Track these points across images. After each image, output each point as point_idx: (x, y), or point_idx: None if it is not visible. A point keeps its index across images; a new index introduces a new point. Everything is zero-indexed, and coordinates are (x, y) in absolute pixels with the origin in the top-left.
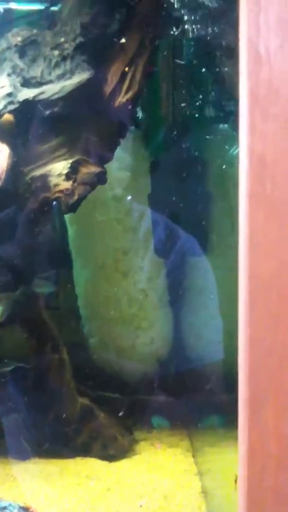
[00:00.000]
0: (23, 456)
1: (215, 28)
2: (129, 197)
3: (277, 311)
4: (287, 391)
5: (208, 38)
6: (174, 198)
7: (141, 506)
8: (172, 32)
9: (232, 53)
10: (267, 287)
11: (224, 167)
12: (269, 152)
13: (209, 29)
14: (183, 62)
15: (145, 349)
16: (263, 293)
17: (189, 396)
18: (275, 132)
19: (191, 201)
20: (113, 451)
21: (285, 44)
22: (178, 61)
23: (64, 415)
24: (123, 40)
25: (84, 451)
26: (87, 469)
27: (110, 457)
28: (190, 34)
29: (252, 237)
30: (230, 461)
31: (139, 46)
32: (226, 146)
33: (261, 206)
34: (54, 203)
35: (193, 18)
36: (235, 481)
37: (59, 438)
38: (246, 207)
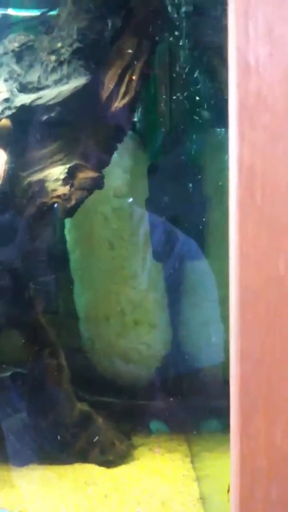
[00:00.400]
0: (21, 462)
1: (213, 33)
2: (130, 199)
3: (267, 322)
4: (278, 402)
5: (206, 42)
6: (172, 202)
7: None
8: (169, 37)
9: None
10: (257, 298)
11: (222, 170)
12: (259, 162)
13: (207, 33)
14: (180, 67)
15: (143, 354)
16: (253, 305)
17: (187, 401)
18: (265, 142)
19: (189, 204)
20: (111, 457)
21: (274, 53)
22: (175, 66)
23: (62, 420)
24: (120, 45)
25: (82, 457)
26: (85, 475)
27: (108, 463)
28: (188, 38)
29: (242, 248)
30: (228, 466)
31: (136, 50)
32: (224, 150)
33: (251, 216)
34: (55, 206)
35: (190, 22)
36: (228, 491)
37: (57, 444)
38: (235, 217)
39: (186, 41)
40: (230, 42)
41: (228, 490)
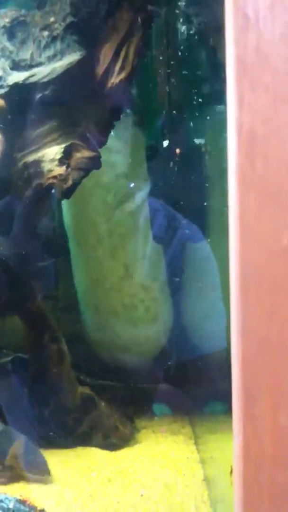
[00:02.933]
0: None
1: (212, 8)
2: (132, 184)
3: (270, 301)
4: (283, 384)
5: (205, 17)
6: (171, 184)
7: (142, 495)
8: (166, 11)
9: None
10: (259, 275)
11: (223, 150)
12: (260, 127)
13: (205, 7)
14: (179, 43)
15: (146, 336)
16: (255, 282)
17: (190, 383)
18: (266, 104)
19: (189, 186)
20: (114, 441)
21: (276, 4)
22: (173, 42)
23: (64, 405)
24: (115, 19)
25: (85, 441)
26: (88, 459)
27: (111, 447)
28: (186, 13)
29: (242, 220)
30: (231, 447)
31: (131, 25)
32: (224, 129)
33: (252, 187)
34: (49, 187)
35: None
36: (230, 472)
37: (59, 428)
38: (235, 187)
39: (184, 15)
40: None
41: (231, 472)
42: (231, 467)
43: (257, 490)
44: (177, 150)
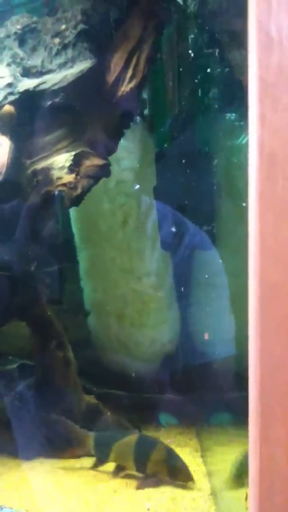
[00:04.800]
0: (27, 455)
1: (223, 14)
2: (137, 186)
3: (287, 321)
4: None
5: (215, 24)
6: (180, 190)
7: (148, 509)
8: (176, 19)
9: (240, 39)
10: (278, 295)
11: (232, 157)
12: (281, 147)
13: (216, 14)
14: (188, 50)
15: (152, 343)
16: (273, 302)
17: (197, 394)
18: (287, 124)
19: (198, 192)
20: None
21: None
22: (183, 49)
23: (69, 413)
24: (126, 27)
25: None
26: (94, 470)
27: None
28: (196, 20)
29: (262, 240)
30: (239, 461)
31: (142, 32)
32: (234, 136)
33: (272, 206)
34: (57, 194)
35: (199, 3)
36: (245, 498)
37: (64, 437)
38: (255, 208)
39: (195, 22)
40: (250, 13)
41: (246, 498)
42: (246, 493)
43: None
44: (185, 156)
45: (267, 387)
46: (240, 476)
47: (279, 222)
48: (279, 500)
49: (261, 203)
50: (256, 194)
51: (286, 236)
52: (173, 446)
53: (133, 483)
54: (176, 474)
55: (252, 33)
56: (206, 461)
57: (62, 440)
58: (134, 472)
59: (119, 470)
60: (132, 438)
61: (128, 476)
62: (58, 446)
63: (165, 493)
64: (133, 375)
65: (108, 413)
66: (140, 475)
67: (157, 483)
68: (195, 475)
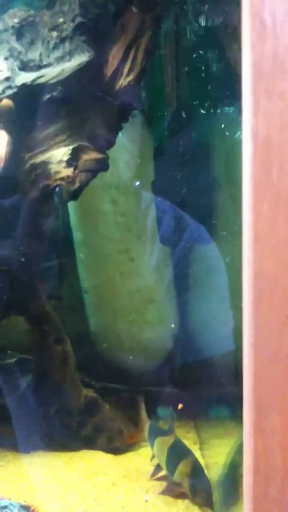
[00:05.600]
0: (26, 448)
1: (221, 6)
2: (137, 183)
3: (282, 311)
4: None
5: (214, 17)
6: (178, 185)
7: (146, 501)
8: (175, 11)
9: (238, 31)
10: (272, 285)
11: (231, 151)
12: (275, 135)
13: (215, 7)
14: (187, 44)
15: (151, 338)
16: (268, 292)
17: (196, 388)
18: (282, 112)
19: (197, 186)
20: (118, 444)
21: None
22: (182, 43)
23: (68, 406)
24: (124, 20)
25: (89, 443)
26: (92, 462)
27: (116, 450)
28: (194, 14)
29: (256, 229)
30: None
31: (140, 26)
32: (233, 130)
33: (266, 195)
34: (57, 189)
35: None
36: (240, 486)
37: (63, 431)
38: (249, 195)
39: (193, 15)
40: (243, 0)
41: (241, 486)
42: (241, 481)
43: (267, 504)
44: (184, 151)
45: (261, 378)
46: (236, 467)
47: (273, 211)
48: (274, 491)
49: (255, 189)
50: (250, 182)
51: (281, 224)
52: None
53: (131, 476)
54: (194, 494)
55: (246, 20)
56: (204, 454)
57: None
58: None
59: (158, 470)
60: (169, 439)
61: (127, 470)
62: (57, 439)
63: (163, 486)
64: (133, 369)
65: (107, 407)
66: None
67: (179, 496)
68: None
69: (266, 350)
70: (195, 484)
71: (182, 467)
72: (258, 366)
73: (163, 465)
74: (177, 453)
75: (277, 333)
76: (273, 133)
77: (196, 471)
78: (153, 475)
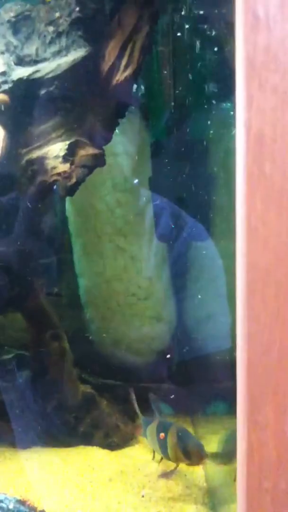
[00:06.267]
0: (23, 444)
1: (217, 3)
2: (136, 181)
3: (276, 303)
4: (287, 390)
5: (210, 13)
6: (176, 181)
7: (143, 496)
8: (172, 7)
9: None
10: (265, 277)
11: (227, 147)
12: (268, 129)
13: (211, 4)
14: (184, 40)
15: (149, 335)
16: (261, 284)
17: (193, 384)
18: (275, 106)
19: (193, 183)
20: (115, 440)
21: (286, 4)
22: (179, 39)
23: (65, 402)
24: (121, 15)
25: (86, 439)
26: (89, 458)
27: (112, 446)
28: (191, 9)
29: (249, 222)
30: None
31: (137, 21)
32: (230, 126)
33: (259, 188)
34: (54, 187)
35: None
36: (234, 479)
37: (60, 426)
38: (242, 188)
39: (189, 11)
40: None
41: (235, 479)
42: (235, 474)
43: (260, 497)
44: (181, 147)
45: (255, 370)
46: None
47: (266, 205)
48: (268, 484)
49: (248, 182)
50: (243, 175)
51: (274, 219)
52: None
53: (128, 471)
54: (189, 456)
55: (239, 13)
56: None
57: (57, 429)
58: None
59: (171, 473)
60: (154, 424)
61: (124, 466)
62: (54, 435)
63: (160, 481)
64: (130, 365)
65: (104, 402)
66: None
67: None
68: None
69: (259, 342)
70: (186, 447)
71: (170, 438)
72: (252, 358)
73: (158, 450)
74: (162, 430)
75: (270, 326)
76: (266, 126)
77: (183, 435)
78: (164, 475)
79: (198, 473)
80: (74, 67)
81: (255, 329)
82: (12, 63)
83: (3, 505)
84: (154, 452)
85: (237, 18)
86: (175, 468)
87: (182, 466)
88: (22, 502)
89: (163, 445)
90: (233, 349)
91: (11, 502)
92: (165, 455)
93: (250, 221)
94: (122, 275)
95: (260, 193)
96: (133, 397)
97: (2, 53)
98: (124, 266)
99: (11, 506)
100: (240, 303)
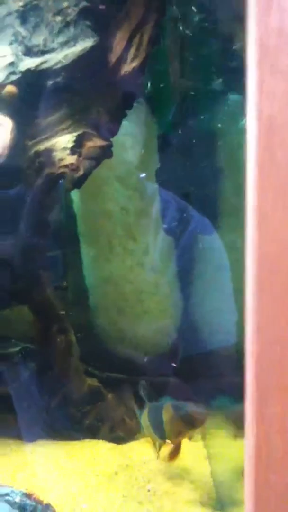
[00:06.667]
0: (29, 437)
1: None
2: (143, 175)
3: (286, 296)
4: None
5: (219, 5)
6: (183, 174)
7: (149, 490)
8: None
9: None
10: (275, 270)
11: (235, 140)
12: (279, 114)
13: None
14: (192, 31)
15: (155, 329)
16: (270, 275)
17: (199, 377)
18: (285, 90)
19: (201, 176)
20: (121, 433)
21: None
22: (186, 31)
23: (71, 396)
24: (129, 6)
25: (92, 433)
26: (95, 452)
27: (118, 440)
28: (199, 1)
29: (260, 212)
30: (240, 445)
31: (145, 11)
32: (238, 118)
33: (270, 176)
34: (60, 181)
35: None
36: (242, 474)
37: (66, 420)
38: (253, 177)
39: (198, 2)
40: None
41: (242, 474)
42: (242, 468)
43: (268, 491)
44: (190, 139)
45: (263, 363)
46: None
47: (278, 192)
48: (275, 478)
49: (259, 170)
50: (253, 161)
51: (285, 208)
52: None
53: (133, 465)
54: (191, 420)
55: None
56: (206, 444)
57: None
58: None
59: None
60: (145, 411)
61: (129, 459)
62: (59, 428)
63: (166, 475)
64: (136, 359)
65: (110, 396)
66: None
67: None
68: (195, 458)
69: (268, 334)
70: (185, 412)
71: (165, 414)
72: (260, 351)
73: (155, 436)
74: (155, 411)
75: (279, 317)
76: (277, 112)
77: (178, 404)
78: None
79: (203, 468)
80: (82, 58)
81: (264, 321)
82: (20, 54)
83: (10, 498)
84: (155, 444)
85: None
86: (178, 446)
87: (187, 461)
88: (28, 496)
89: (159, 427)
90: (239, 344)
91: (17, 495)
92: (163, 438)
93: (260, 211)
94: (129, 268)
95: (271, 181)
96: (131, 395)
97: (11, 43)
98: (130, 260)
99: (17, 500)
100: (249, 294)
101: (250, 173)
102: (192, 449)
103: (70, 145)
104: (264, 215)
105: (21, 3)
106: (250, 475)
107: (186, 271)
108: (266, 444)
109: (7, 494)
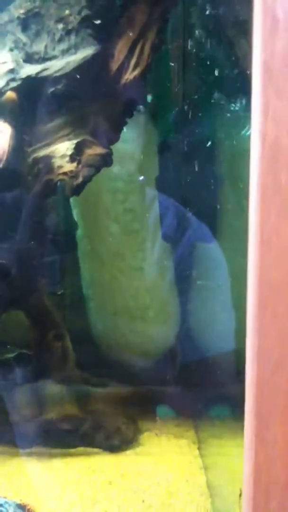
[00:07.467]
0: (23, 445)
1: (229, 2)
2: (141, 178)
3: (287, 321)
4: None
5: (222, 13)
6: (183, 181)
7: (143, 501)
8: (183, 6)
9: (247, 28)
10: (277, 294)
11: (236, 148)
12: (284, 138)
13: (223, 3)
14: (194, 39)
15: (152, 337)
16: (272, 301)
17: (196, 386)
18: None
19: (201, 184)
20: (116, 442)
21: None
22: (189, 38)
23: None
24: (130, 13)
25: (87, 441)
26: (90, 460)
27: (113, 448)
28: (202, 8)
29: (263, 235)
30: (236, 454)
31: (147, 19)
32: (239, 127)
33: (274, 199)
34: (58, 184)
35: None
36: (240, 495)
37: (61, 428)
38: (256, 200)
39: (201, 10)
40: None
41: (240, 495)
42: (240, 490)
43: None
44: (189, 147)
45: (264, 387)
46: None
47: (281, 217)
48: (274, 503)
49: (262, 193)
50: (257, 184)
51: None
52: (169, 437)
53: (129, 474)
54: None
55: (257, 17)
56: (203, 454)
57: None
58: None
59: None
60: None
61: (124, 469)
62: (54, 436)
63: (161, 486)
64: (133, 367)
65: (106, 403)
66: None
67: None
68: (191, 468)
69: (269, 359)
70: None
71: None
72: (261, 375)
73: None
74: None
75: (280, 343)
76: (282, 135)
77: None
78: None
79: (200, 478)
80: (83, 66)
81: (265, 346)
82: (21, 60)
83: (3, 509)
84: None
85: (255, 21)
86: None
87: (184, 472)
88: (22, 507)
89: None
90: (236, 352)
91: (11, 506)
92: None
93: (263, 234)
94: (126, 274)
95: (275, 204)
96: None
97: (11, 50)
98: (128, 266)
99: (10, 511)
100: (251, 317)
101: (253, 196)
102: (188, 458)
103: (69, 152)
104: (267, 239)
105: (22, 10)
106: (249, 499)
107: (185, 278)
108: (266, 469)
109: (0, 505)
